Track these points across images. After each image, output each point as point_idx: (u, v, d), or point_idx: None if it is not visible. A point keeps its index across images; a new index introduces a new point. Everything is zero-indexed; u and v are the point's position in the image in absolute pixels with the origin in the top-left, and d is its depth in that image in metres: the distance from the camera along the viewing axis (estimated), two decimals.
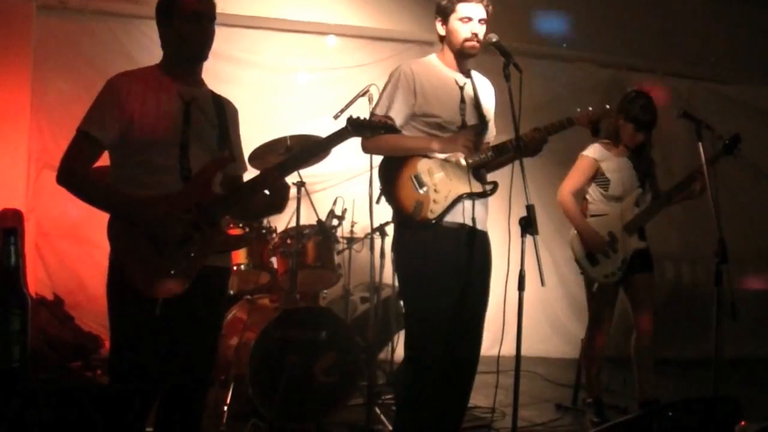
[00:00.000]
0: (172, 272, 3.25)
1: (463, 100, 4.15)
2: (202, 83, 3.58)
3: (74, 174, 3.32)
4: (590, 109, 4.16)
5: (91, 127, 3.33)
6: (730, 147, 5.18)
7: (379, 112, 4.11)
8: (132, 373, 3.26)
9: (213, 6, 3.46)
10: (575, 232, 5.53)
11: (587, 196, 5.59)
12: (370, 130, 3.64)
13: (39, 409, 2.07)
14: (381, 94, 4.21)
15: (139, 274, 3.23)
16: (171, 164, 3.36)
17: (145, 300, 3.22)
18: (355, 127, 3.56)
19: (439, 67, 4.22)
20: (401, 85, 4.11)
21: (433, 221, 4.01)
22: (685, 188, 5.40)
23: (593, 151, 5.49)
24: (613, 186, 5.46)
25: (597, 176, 5.49)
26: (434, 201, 4.02)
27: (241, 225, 5.69)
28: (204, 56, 3.48)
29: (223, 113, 3.58)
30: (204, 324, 3.48)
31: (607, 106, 4.22)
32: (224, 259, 3.58)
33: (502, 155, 4.15)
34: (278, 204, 3.63)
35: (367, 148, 4.19)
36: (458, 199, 4.05)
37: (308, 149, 3.57)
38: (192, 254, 3.29)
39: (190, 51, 3.45)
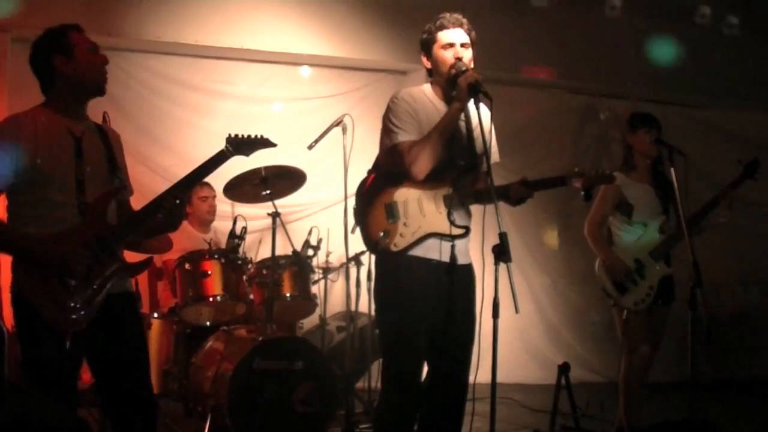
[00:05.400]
0: (77, 306, 3.35)
1: (452, 137, 4.00)
2: (87, 117, 3.68)
3: None
4: (602, 172, 4.00)
5: None
6: (751, 171, 5.26)
7: (398, 139, 3.89)
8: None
9: None
10: (600, 262, 5.43)
11: (611, 226, 5.50)
12: (249, 147, 3.82)
13: None
14: (387, 125, 3.97)
15: (48, 310, 3.32)
16: (69, 200, 3.47)
17: (55, 332, 3.31)
18: (235, 146, 3.75)
19: (431, 99, 4.06)
20: (406, 108, 3.96)
21: (396, 253, 3.92)
22: (708, 213, 5.28)
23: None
24: (636, 212, 5.38)
25: (620, 204, 5.41)
26: (401, 235, 3.91)
27: None
28: (104, 88, 3.64)
29: (108, 142, 3.69)
30: (129, 348, 3.58)
31: (609, 172, 4.04)
32: (125, 284, 3.65)
33: (481, 201, 4.01)
34: (173, 224, 3.72)
35: (415, 165, 3.85)
36: (426, 236, 3.94)
37: (198, 172, 3.65)
38: (95, 286, 3.40)
39: (96, 80, 3.61)
